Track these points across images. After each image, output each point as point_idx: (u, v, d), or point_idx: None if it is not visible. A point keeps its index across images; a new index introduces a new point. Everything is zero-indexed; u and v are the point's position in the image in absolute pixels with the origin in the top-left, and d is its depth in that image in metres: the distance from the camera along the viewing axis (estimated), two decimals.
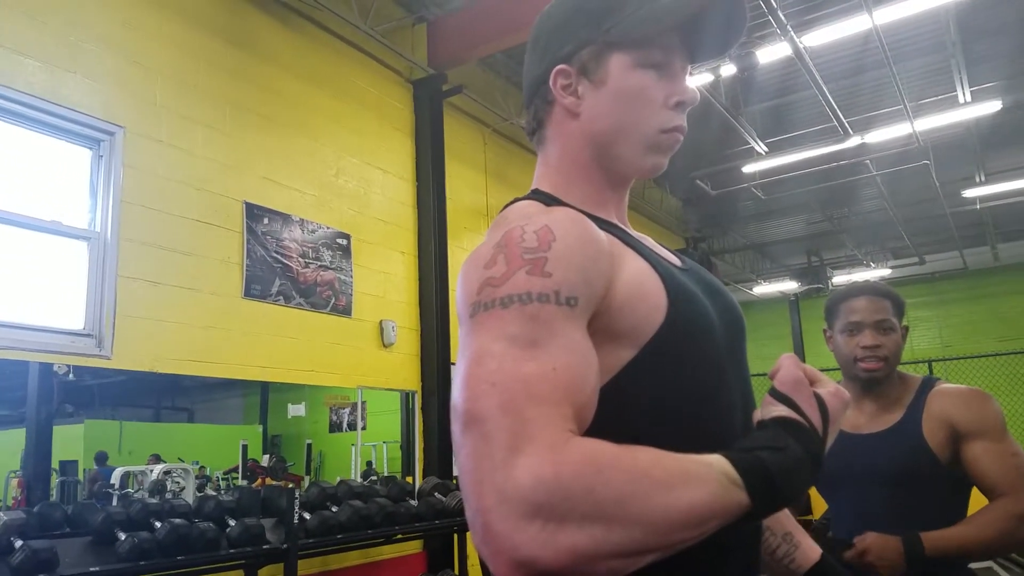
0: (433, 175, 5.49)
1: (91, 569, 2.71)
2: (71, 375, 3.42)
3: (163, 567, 2.89)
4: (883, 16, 5.21)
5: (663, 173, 0.88)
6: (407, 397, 5.25)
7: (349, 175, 5.01)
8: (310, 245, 4.59)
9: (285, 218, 4.47)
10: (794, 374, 0.70)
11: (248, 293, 4.14)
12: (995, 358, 10.47)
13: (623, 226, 0.87)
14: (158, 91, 3.87)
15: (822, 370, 0.79)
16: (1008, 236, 11.54)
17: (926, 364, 10.19)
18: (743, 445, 0.65)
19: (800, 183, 9.00)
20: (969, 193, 8.99)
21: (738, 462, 0.62)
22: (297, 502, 3.41)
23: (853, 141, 7.28)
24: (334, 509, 3.73)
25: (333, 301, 4.67)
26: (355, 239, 4.95)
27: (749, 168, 8.11)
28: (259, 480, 5.23)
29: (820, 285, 11.96)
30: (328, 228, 4.76)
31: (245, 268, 4.15)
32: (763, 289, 13.00)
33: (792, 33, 5.26)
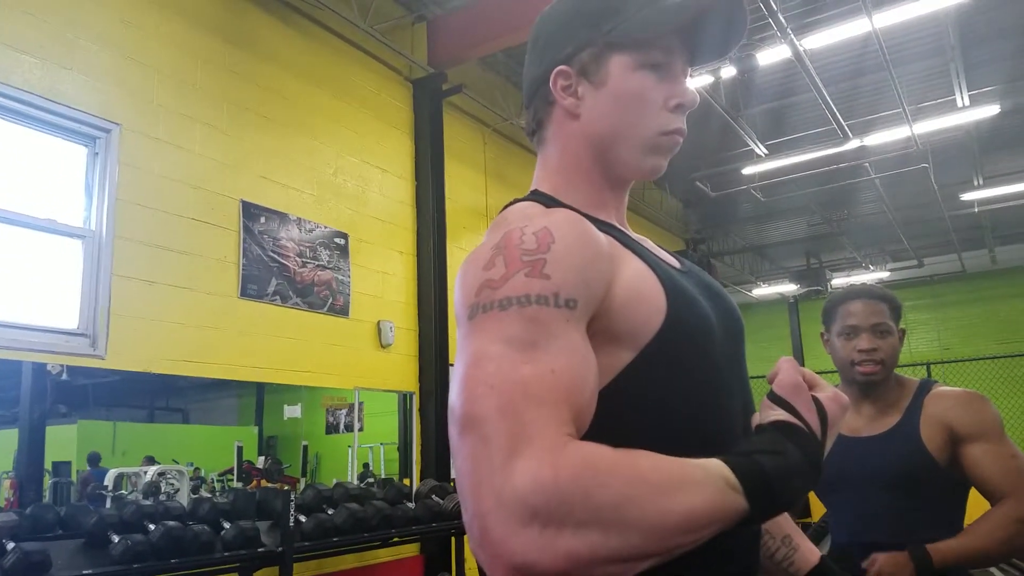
0: (432, 175, 5.49)
1: (84, 572, 2.69)
2: (64, 375, 3.40)
3: (157, 570, 2.88)
4: (883, 19, 5.22)
5: (663, 174, 0.87)
6: (405, 398, 5.24)
7: (348, 174, 5.00)
8: (307, 244, 4.57)
9: (282, 217, 4.46)
10: (792, 378, 0.70)
11: (244, 293, 4.13)
12: (994, 361, 10.49)
13: (623, 228, 0.87)
14: (155, 89, 3.85)
15: (821, 373, 0.78)
16: (1006, 239, 11.57)
17: (924, 367, 10.20)
18: (741, 449, 0.65)
19: (800, 185, 9.01)
20: (967, 196, 9.02)
21: (736, 466, 0.61)
22: (293, 504, 3.39)
23: (852, 144, 7.29)
24: (330, 512, 3.72)
25: (330, 301, 4.66)
26: (353, 239, 4.94)
27: (749, 170, 8.13)
28: (254, 482, 5.21)
29: (819, 287, 11.98)
30: (326, 227, 4.75)
31: (241, 267, 4.13)
32: (762, 291, 13.02)
33: (792, 36, 5.26)
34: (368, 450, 6.01)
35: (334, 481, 4.15)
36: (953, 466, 1.55)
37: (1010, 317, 12.31)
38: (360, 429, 5.24)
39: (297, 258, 4.48)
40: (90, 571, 2.71)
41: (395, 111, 5.51)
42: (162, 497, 3.84)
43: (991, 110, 6.74)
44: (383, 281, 5.15)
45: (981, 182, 8.83)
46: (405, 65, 5.59)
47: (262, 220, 4.31)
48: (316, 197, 4.73)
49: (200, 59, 4.12)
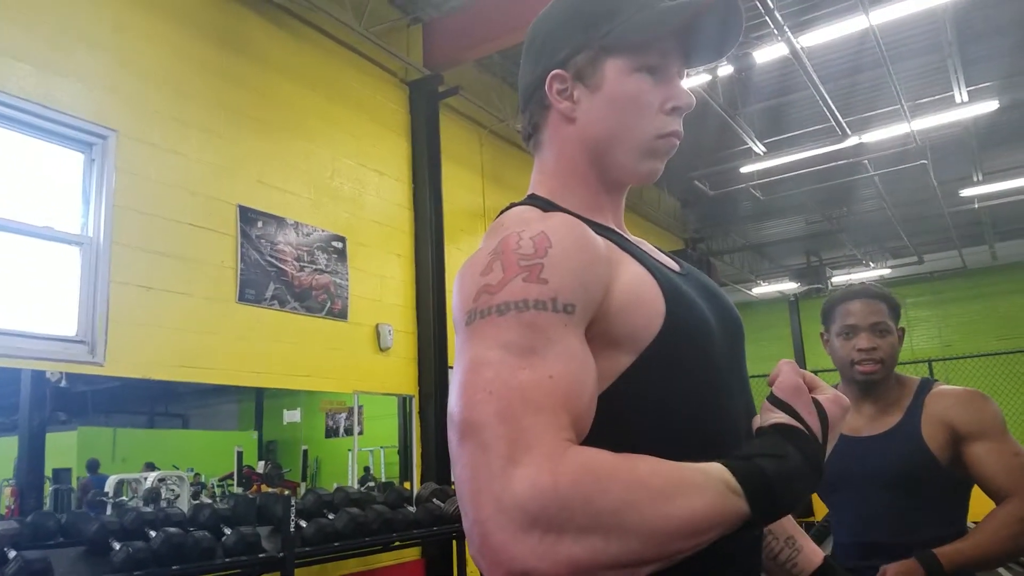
0: (429, 177, 5.48)
1: None
2: (64, 382, 3.39)
3: None
4: (879, 16, 5.22)
5: (661, 174, 0.87)
6: (404, 401, 5.23)
7: (344, 177, 5.00)
8: (305, 248, 4.57)
9: (280, 221, 4.45)
10: (793, 380, 0.70)
11: (242, 298, 4.12)
12: (995, 357, 10.49)
13: (620, 231, 0.86)
14: (151, 94, 3.85)
15: (822, 372, 0.77)
16: (1006, 235, 11.57)
17: (926, 364, 10.20)
18: (742, 453, 0.65)
19: (798, 183, 9.02)
20: (967, 192, 9.02)
21: (737, 470, 0.61)
22: (293, 510, 3.38)
23: (851, 141, 7.30)
24: (331, 516, 3.71)
25: (329, 305, 4.65)
26: (351, 242, 4.93)
27: (747, 168, 8.13)
28: (254, 487, 5.21)
29: (819, 285, 11.99)
30: (323, 231, 4.75)
31: (239, 272, 4.12)
32: (762, 289, 13.02)
33: (789, 33, 5.26)
34: (368, 454, 6.00)
35: (334, 485, 4.14)
36: (955, 465, 1.55)
37: (1011, 313, 12.32)
38: (360, 433, 5.23)
39: (295, 262, 4.47)
40: None
41: (391, 114, 5.50)
42: (162, 503, 3.84)
43: (990, 106, 6.75)
44: (381, 284, 5.14)
45: (980, 178, 8.83)
46: (401, 67, 5.59)
47: (259, 224, 4.31)
48: (313, 201, 4.73)
49: (195, 64, 4.12)
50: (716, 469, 0.61)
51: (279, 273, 4.36)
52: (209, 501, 3.83)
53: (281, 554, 3.31)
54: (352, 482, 5.09)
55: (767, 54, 5.70)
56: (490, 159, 6.57)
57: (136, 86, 3.78)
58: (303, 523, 3.54)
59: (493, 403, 0.59)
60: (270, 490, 4.86)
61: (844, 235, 11.31)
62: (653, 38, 0.80)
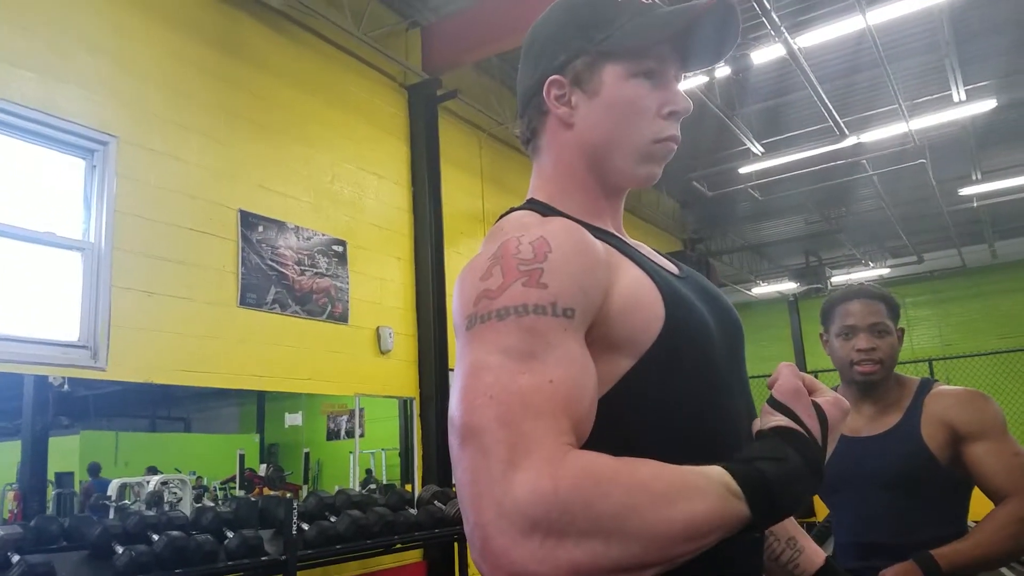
0: (429, 180, 5.49)
1: None
2: (66, 386, 3.40)
3: None
4: (876, 16, 5.23)
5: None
6: (405, 404, 5.24)
7: (344, 181, 5.00)
8: (306, 252, 4.57)
9: (280, 225, 4.46)
10: (793, 383, 0.70)
11: (243, 302, 4.13)
12: (995, 356, 10.48)
13: (619, 235, 0.87)
14: (151, 100, 3.86)
15: (822, 373, 0.78)
16: (1005, 233, 11.56)
17: (926, 363, 10.18)
18: (742, 456, 0.65)
19: (797, 183, 9.01)
20: (966, 191, 9.01)
21: (738, 473, 0.61)
22: (295, 512, 3.39)
23: (849, 141, 7.30)
24: (332, 519, 3.71)
25: (329, 308, 4.66)
26: (351, 245, 4.94)
27: (745, 169, 8.13)
28: (256, 490, 5.21)
29: (819, 285, 11.97)
30: (324, 235, 4.75)
31: (240, 276, 4.13)
32: (762, 290, 13.01)
33: (786, 34, 5.27)
34: (369, 456, 6.00)
35: (336, 488, 4.14)
36: (955, 465, 1.54)
37: (1011, 312, 12.29)
38: (361, 435, 5.24)
39: (295, 266, 4.48)
40: None
41: (390, 117, 5.51)
42: (165, 507, 3.84)
43: (987, 104, 6.75)
44: (381, 287, 5.15)
45: (979, 177, 8.83)
46: (399, 71, 5.60)
47: (260, 229, 4.31)
48: (313, 205, 4.73)
49: (194, 69, 4.13)
50: (717, 472, 0.61)
51: (280, 277, 4.37)
52: (211, 504, 3.83)
53: (283, 557, 3.31)
54: (353, 484, 5.09)
55: (764, 55, 5.71)
56: (489, 162, 6.57)
57: (137, 92, 3.79)
58: (305, 526, 3.55)
59: (494, 408, 0.60)
60: (272, 493, 4.86)
61: (843, 235, 11.30)
62: (651, 43, 0.80)
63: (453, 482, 0.79)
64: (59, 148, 3.50)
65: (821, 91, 6.15)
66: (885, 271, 12.28)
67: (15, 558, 2.58)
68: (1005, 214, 10.55)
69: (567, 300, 0.66)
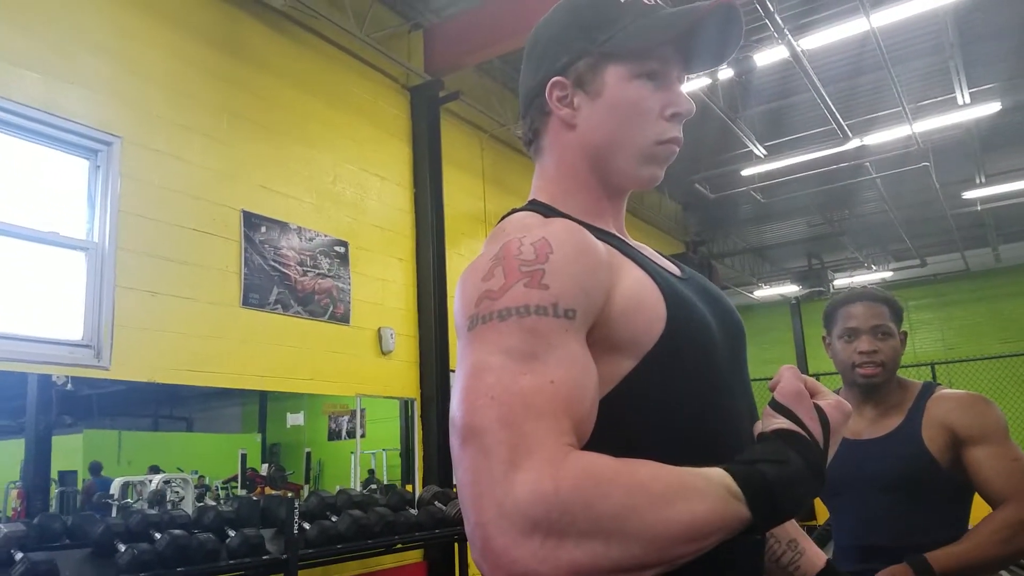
0: (430, 181, 5.49)
1: None
2: (70, 385, 3.41)
3: None
4: (880, 18, 5.22)
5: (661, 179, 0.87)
6: (406, 404, 5.24)
7: (346, 182, 5.01)
8: (308, 253, 4.58)
9: (283, 226, 4.47)
10: (794, 386, 0.70)
11: (246, 302, 4.14)
12: (998, 360, 10.44)
13: (621, 236, 0.87)
14: (155, 101, 3.87)
15: (824, 375, 0.78)
16: (1009, 237, 11.52)
17: (929, 367, 10.14)
18: (744, 458, 0.65)
19: (800, 186, 9.00)
20: (969, 194, 8.99)
21: (738, 475, 0.61)
22: (296, 512, 3.39)
23: (852, 143, 7.28)
24: (333, 519, 3.72)
25: (331, 309, 4.67)
26: (353, 246, 4.95)
27: (748, 171, 8.12)
28: (258, 489, 5.22)
29: (821, 288, 11.95)
30: (326, 236, 4.76)
31: (243, 277, 4.14)
32: (764, 292, 12.99)
33: (789, 36, 5.26)
34: (371, 456, 6.01)
35: (337, 488, 4.15)
36: (956, 469, 1.54)
37: (1015, 316, 12.25)
38: (362, 435, 5.24)
39: (298, 267, 4.49)
40: None
41: (392, 119, 5.52)
42: (167, 505, 3.85)
43: (992, 107, 6.72)
44: (383, 288, 5.15)
45: (983, 180, 8.80)
46: (402, 73, 5.61)
47: (262, 229, 4.32)
48: (315, 206, 4.74)
49: (198, 70, 4.14)
50: (717, 474, 0.61)
51: (282, 277, 4.38)
52: (213, 503, 3.84)
53: (284, 556, 3.32)
54: (355, 484, 5.09)
55: (767, 57, 5.70)
56: (491, 163, 6.58)
57: (140, 92, 3.80)
58: (306, 525, 3.55)
59: (495, 408, 0.60)
60: (274, 492, 4.87)
61: (846, 238, 11.28)
62: (654, 45, 0.80)
63: (454, 482, 0.79)
64: (63, 148, 3.51)
65: (824, 93, 6.14)
66: (888, 274, 12.25)
67: (18, 555, 2.59)
68: (1009, 217, 10.52)
69: (568, 301, 0.66)
